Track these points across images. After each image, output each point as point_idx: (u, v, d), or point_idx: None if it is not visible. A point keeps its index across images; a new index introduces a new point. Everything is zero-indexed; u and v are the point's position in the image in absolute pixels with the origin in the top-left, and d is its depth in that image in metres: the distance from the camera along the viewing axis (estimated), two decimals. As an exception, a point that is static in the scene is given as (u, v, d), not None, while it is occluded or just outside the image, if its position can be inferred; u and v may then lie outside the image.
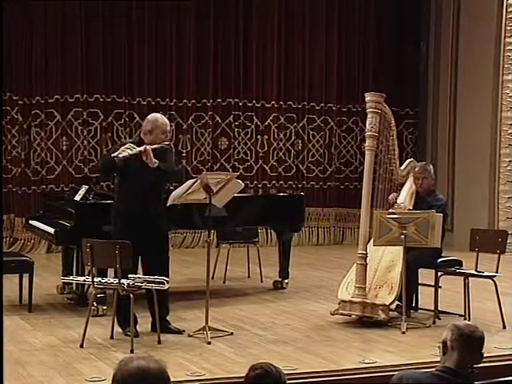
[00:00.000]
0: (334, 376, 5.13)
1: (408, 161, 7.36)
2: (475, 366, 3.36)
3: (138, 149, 6.01)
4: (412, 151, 12.42)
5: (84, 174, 10.67)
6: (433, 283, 6.85)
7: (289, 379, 3.25)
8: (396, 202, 6.96)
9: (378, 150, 6.90)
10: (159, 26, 11.28)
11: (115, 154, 6.00)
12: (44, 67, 10.81)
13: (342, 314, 6.65)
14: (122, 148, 6.03)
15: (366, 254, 6.66)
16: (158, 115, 6.39)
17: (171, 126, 11.25)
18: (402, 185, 7.17)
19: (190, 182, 6.14)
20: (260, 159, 11.94)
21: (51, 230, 7.20)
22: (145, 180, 6.07)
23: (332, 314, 6.69)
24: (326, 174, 12.23)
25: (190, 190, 6.08)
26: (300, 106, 12.08)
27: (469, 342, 3.30)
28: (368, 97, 6.85)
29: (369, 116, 6.80)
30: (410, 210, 6.91)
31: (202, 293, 6.52)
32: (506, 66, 11.06)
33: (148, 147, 6.00)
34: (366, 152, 6.81)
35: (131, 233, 5.91)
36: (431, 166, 7.22)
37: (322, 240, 12.17)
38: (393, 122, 6.96)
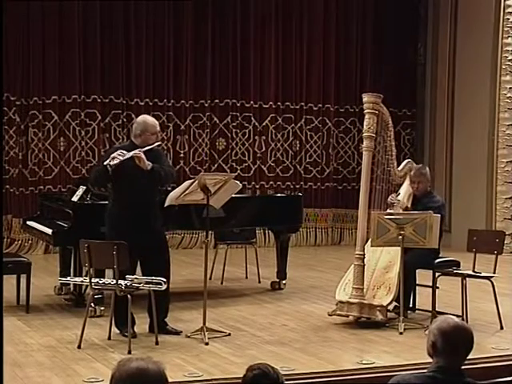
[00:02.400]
0: (331, 377, 5.13)
1: (405, 161, 7.37)
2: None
3: (130, 154, 5.97)
4: (409, 152, 12.44)
5: (81, 175, 10.64)
6: (430, 284, 6.85)
7: (286, 380, 3.24)
8: (396, 202, 6.93)
9: (376, 151, 6.90)
10: (157, 27, 11.27)
11: (107, 162, 5.96)
12: (41, 68, 10.79)
13: (340, 315, 6.65)
14: (112, 156, 5.97)
15: (364, 254, 6.66)
16: (146, 117, 6.42)
17: (168, 126, 11.33)
18: (400, 185, 7.17)
19: (187, 182, 6.13)
20: (258, 160, 11.93)
21: (49, 231, 7.19)
22: (139, 183, 6.04)
23: (329, 315, 6.69)
24: (324, 175, 12.24)
25: (187, 191, 6.07)
26: (298, 107, 12.08)
27: (457, 344, 3.27)
28: (365, 97, 6.84)
29: (366, 117, 6.80)
30: (407, 207, 6.91)
31: (199, 293, 6.50)
32: (503, 66, 11.07)
33: (140, 153, 5.98)
34: (364, 153, 6.80)
35: (128, 236, 5.86)
36: (427, 169, 7.19)
37: (320, 241, 12.17)
38: (390, 122, 6.96)
